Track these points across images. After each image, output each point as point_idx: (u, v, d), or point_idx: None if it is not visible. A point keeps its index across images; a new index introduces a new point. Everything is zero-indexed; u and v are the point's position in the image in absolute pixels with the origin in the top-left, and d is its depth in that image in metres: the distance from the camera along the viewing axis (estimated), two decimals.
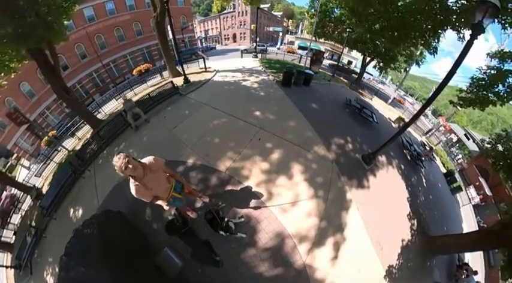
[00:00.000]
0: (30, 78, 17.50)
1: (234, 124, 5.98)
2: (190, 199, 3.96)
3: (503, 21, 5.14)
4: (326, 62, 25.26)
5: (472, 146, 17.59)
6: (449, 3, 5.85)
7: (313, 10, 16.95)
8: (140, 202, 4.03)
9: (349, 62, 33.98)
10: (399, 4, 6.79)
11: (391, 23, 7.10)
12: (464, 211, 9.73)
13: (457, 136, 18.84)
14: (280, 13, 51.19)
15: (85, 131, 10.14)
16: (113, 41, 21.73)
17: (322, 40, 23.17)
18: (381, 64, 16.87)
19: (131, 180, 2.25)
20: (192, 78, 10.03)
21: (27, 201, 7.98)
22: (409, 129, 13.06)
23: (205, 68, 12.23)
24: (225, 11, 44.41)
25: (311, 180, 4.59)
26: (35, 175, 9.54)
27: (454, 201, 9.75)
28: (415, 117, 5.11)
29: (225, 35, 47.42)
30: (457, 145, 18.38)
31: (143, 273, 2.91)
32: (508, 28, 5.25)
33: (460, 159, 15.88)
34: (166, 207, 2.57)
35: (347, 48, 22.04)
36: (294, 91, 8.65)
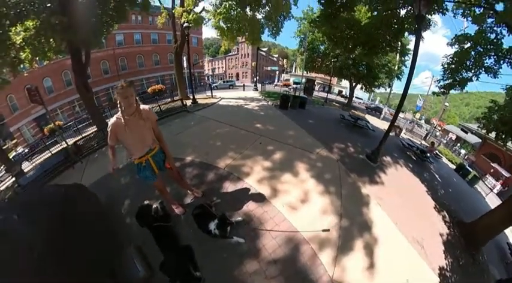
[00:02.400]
0: (54, 77, 17.72)
1: (236, 132, 5.59)
2: (181, 193, 3.02)
3: (441, 10, 5.44)
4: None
5: (473, 139, 16.45)
6: (401, 15, 6.33)
7: (302, 48, 18.19)
8: (121, 194, 3.16)
9: (340, 91, 35.06)
10: (362, 24, 7.43)
11: (359, 40, 7.69)
12: (491, 202, 8.27)
13: (455, 135, 17.96)
14: (276, 55, 55.62)
15: (89, 132, 9.62)
16: (133, 65, 22.97)
17: (313, 74, 24.32)
18: (367, 85, 17.22)
19: (117, 114, 1.92)
20: (199, 101, 10.32)
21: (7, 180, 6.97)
22: (407, 137, 12.42)
23: (212, 95, 13.07)
24: (230, 53, 48.12)
25: (319, 176, 3.66)
26: (26, 160, 8.65)
27: (475, 193, 8.51)
28: (401, 104, 5.13)
29: (229, 74, 50.47)
30: (458, 144, 17.36)
31: (86, 271, 1.79)
32: (447, 13, 5.53)
33: (465, 155, 14.63)
34: (111, 168, 1.97)
35: (336, 78, 22.89)
36: (291, 112, 8.56)
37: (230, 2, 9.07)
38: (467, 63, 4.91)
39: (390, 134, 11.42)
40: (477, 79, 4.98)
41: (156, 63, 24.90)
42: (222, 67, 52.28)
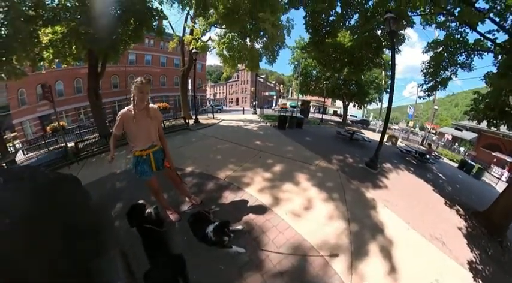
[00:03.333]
0: (66, 82, 18.14)
1: (236, 148, 5.60)
2: (177, 200, 2.81)
3: (409, 24, 6.17)
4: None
5: (469, 135, 16.14)
6: (378, 34, 7.03)
7: (296, 74, 19.50)
8: (113, 197, 3.03)
9: (335, 112, 36.32)
10: (346, 47, 8.20)
11: (345, 60, 8.39)
12: (502, 190, 7.98)
13: (451, 135, 17.83)
14: (274, 81, 59.14)
15: (91, 137, 9.45)
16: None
17: (308, 97, 25.55)
18: (358, 102, 17.92)
19: (128, 107, 2.03)
20: (201, 122, 10.69)
21: None
22: (404, 145, 12.38)
23: (213, 116, 13.66)
24: (231, 80, 50.71)
25: (320, 185, 3.49)
26: (22, 152, 8.23)
27: (485, 185, 8.20)
28: (388, 112, 5.46)
29: (229, 99, 52.75)
30: (456, 144, 17.09)
31: (57, 264, 1.50)
32: (417, 25, 6.27)
33: (465, 152, 14.29)
34: (110, 157, 2.04)
35: (330, 99, 23.97)
36: (289, 131, 8.79)
37: (233, 33, 10.10)
38: (443, 64, 5.35)
39: (387, 144, 11.56)
40: (456, 76, 5.37)
41: (163, 84, 26.30)
42: (223, 92, 55.05)
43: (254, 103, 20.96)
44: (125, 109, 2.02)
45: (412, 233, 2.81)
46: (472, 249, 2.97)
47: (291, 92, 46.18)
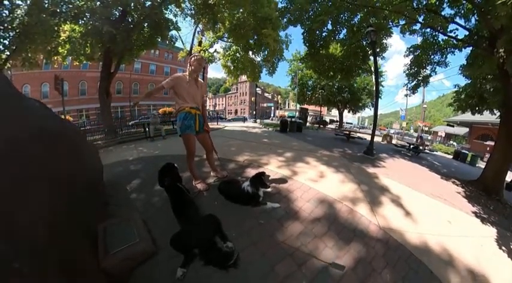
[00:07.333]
0: (72, 84, 18.50)
1: (247, 144, 6.00)
2: (202, 176, 2.85)
3: (388, 34, 7.05)
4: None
5: (462, 131, 16.55)
6: (364, 44, 7.83)
7: (293, 84, 20.68)
8: (128, 178, 3.17)
9: (331, 120, 37.55)
10: (337, 56, 9.18)
11: (337, 68, 9.37)
12: None
13: (444, 132, 18.41)
14: (271, 92, 61.33)
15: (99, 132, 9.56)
16: (144, 91, 23.55)
17: (305, 106, 26.69)
18: (353, 108, 18.94)
19: (184, 73, 2.47)
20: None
21: None
22: (399, 143, 12.98)
23: (217, 123, 14.52)
24: (230, 92, 52.50)
25: (327, 163, 3.98)
26: None
27: (480, 170, 8.50)
28: (376, 113, 6.09)
29: (228, 110, 54.02)
30: (451, 141, 17.61)
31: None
32: (397, 33, 7.13)
33: (460, 146, 14.76)
34: (135, 101, 2.59)
35: (326, 108, 25.05)
36: (291, 134, 9.47)
37: (236, 47, 11.08)
38: (423, 64, 6.12)
39: (382, 142, 12.20)
40: (435, 73, 6.21)
41: (165, 93, 26.60)
42: (222, 104, 56.40)
43: (254, 113, 21.76)
44: (180, 73, 2.41)
45: (415, 192, 3.26)
46: (474, 204, 3.38)
47: (288, 103, 47.75)
